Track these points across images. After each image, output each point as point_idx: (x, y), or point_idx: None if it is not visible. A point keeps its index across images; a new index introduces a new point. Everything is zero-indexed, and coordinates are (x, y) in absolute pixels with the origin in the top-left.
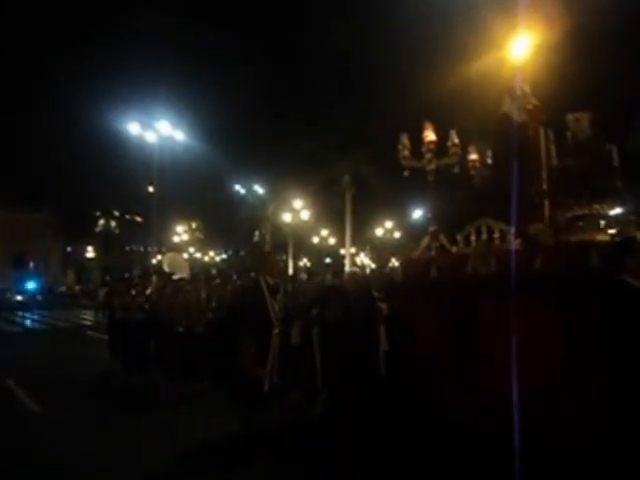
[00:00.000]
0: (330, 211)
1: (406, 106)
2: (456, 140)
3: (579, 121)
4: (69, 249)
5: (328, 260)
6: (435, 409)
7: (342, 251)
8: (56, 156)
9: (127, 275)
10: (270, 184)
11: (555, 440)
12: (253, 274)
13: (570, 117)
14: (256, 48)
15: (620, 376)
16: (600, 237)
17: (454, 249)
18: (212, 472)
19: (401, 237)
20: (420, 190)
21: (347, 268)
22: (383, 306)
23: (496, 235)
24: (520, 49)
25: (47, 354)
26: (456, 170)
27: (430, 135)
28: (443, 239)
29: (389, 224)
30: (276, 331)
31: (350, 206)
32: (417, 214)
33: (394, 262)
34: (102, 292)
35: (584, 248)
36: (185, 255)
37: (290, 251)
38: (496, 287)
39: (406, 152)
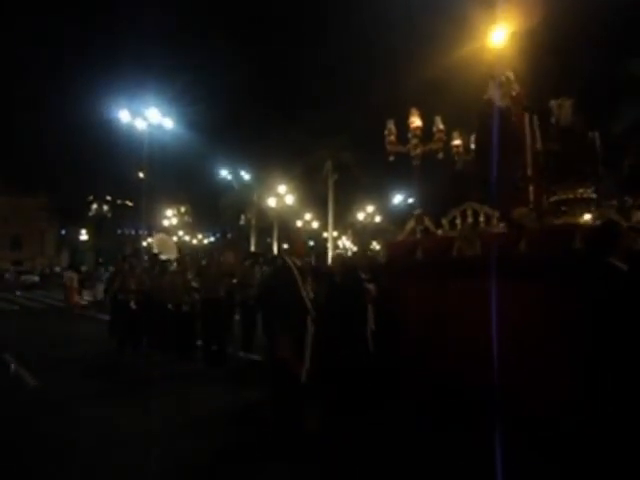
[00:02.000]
0: (313, 196)
1: (388, 93)
2: (441, 126)
3: (562, 107)
4: (63, 232)
5: (311, 243)
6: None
7: (325, 234)
8: (52, 144)
9: (120, 257)
10: (256, 170)
11: (538, 423)
12: (283, 255)
13: (553, 103)
14: (242, 37)
15: (603, 359)
16: (584, 220)
17: (439, 232)
18: (209, 445)
19: (382, 221)
20: (401, 175)
21: (330, 251)
22: (371, 287)
23: (481, 219)
24: (499, 37)
25: (44, 331)
26: (440, 155)
27: (416, 121)
28: (428, 222)
29: (370, 208)
30: (311, 317)
31: (332, 191)
32: (397, 199)
33: (375, 245)
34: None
35: (568, 231)
36: (174, 238)
37: (275, 234)
38: (481, 269)
39: (392, 137)
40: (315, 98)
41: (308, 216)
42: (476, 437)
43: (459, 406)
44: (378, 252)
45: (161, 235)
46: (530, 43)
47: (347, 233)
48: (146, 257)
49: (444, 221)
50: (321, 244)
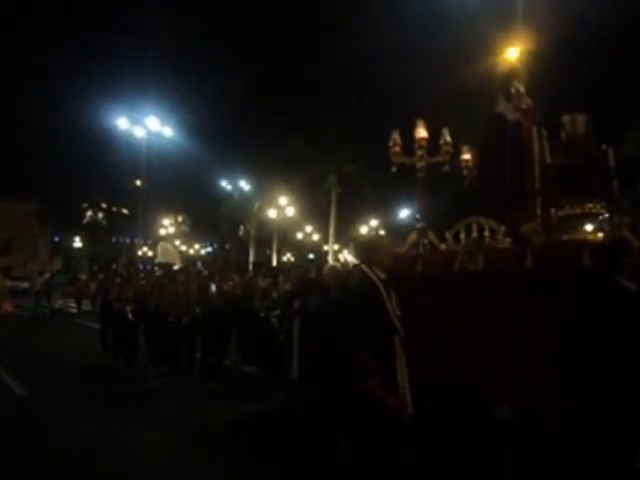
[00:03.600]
0: (315, 208)
1: (394, 106)
2: (448, 138)
3: (575, 122)
4: (56, 238)
5: (311, 256)
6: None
7: (325, 247)
8: (46, 148)
9: (114, 266)
10: (256, 180)
11: (548, 438)
12: (362, 266)
13: (566, 118)
14: (244, 46)
15: (608, 379)
16: (592, 237)
17: (442, 246)
18: (196, 463)
19: (385, 236)
20: (408, 190)
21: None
22: None
23: (486, 233)
24: (512, 54)
25: (34, 339)
26: (446, 169)
27: (421, 132)
28: (431, 236)
29: (374, 222)
30: (399, 338)
31: (335, 204)
32: (404, 214)
33: None
34: (39, 280)
35: (576, 247)
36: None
37: (274, 246)
38: (484, 284)
39: (397, 149)
40: (319, 110)
41: (309, 228)
42: (483, 452)
43: (462, 420)
44: None
45: (164, 243)
46: (546, 59)
47: (348, 247)
48: (155, 267)
49: (448, 235)
50: (321, 257)
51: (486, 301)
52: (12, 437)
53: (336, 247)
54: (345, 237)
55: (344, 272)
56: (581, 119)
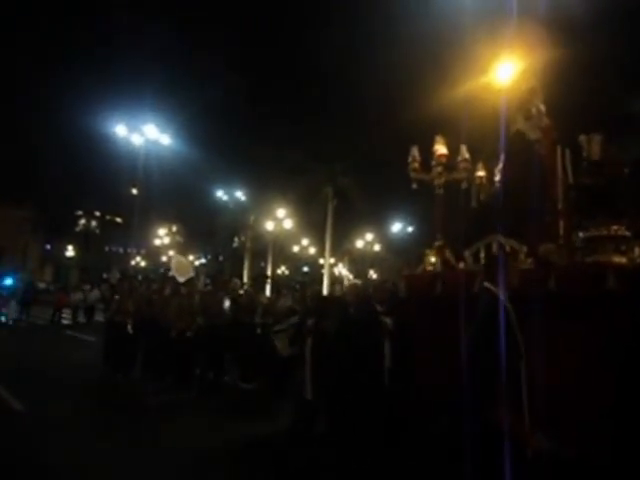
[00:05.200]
0: (311, 221)
1: (391, 122)
2: (467, 155)
3: (591, 142)
4: (48, 246)
5: (306, 269)
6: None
7: (321, 261)
8: (41, 154)
9: (105, 276)
10: (252, 192)
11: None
12: (486, 284)
13: (582, 138)
14: (243, 57)
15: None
16: (617, 259)
17: (461, 265)
18: None
19: (381, 250)
20: (400, 204)
21: (325, 278)
22: (388, 320)
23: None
24: (507, 71)
25: (30, 351)
26: (465, 185)
27: (441, 149)
28: (449, 255)
29: (369, 237)
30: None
31: (331, 217)
32: (396, 227)
33: (372, 274)
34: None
35: (600, 270)
36: (164, 258)
37: (269, 258)
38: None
39: (416, 165)
40: (317, 121)
41: (305, 241)
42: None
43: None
44: (396, 284)
45: (179, 256)
46: (559, 77)
47: (344, 260)
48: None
49: (467, 254)
50: (317, 270)
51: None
52: (9, 453)
53: (332, 260)
54: (340, 250)
55: (364, 288)
56: (597, 139)
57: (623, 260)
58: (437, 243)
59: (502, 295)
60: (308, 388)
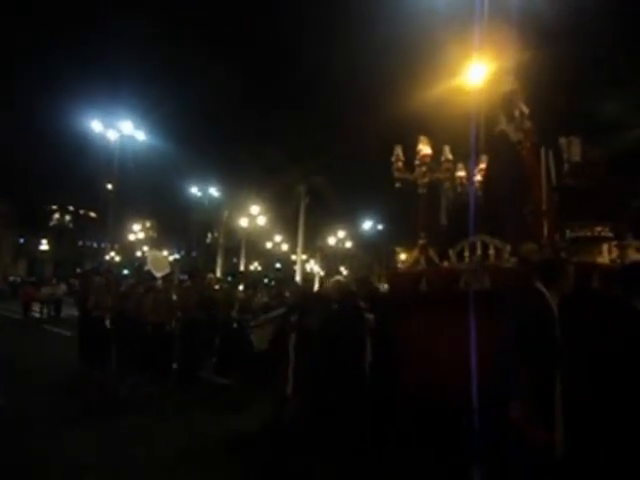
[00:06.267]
0: (284, 218)
1: (364, 122)
2: (449, 156)
3: (571, 144)
4: (22, 240)
5: (278, 265)
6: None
7: (293, 257)
8: (15, 148)
9: (79, 270)
10: (227, 188)
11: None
12: (537, 284)
13: (562, 140)
14: (220, 55)
15: (620, 400)
16: (601, 259)
17: (445, 264)
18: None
19: (352, 247)
20: (371, 201)
21: (298, 274)
22: (370, 317)
23: (491, 252)
24: (478, 75)
25: (4, 346)
26: (447, 185)
27: (425, 149)
28: (432, 253)
29: (341, 234)
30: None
31: (304, 215)
32: (367, 225)
33: (343, 270)
34: None
35: (585, 270)
36: (138, 253)
37: (242, 254)
38: (489, 304)
39: (400, 164)
40: (290, 119)
41: (278, 238)
42: (476, 468)
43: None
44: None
45: (155, 252)
46: (539, 79)
47: (316, 257)
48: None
49: (451, 252)
50: (289, 267)
51: (491, 321)
52: None
53: (304, 257)
54: (313, 247)
55: (348, 285)
56: (576, 141)
57: (606, 260)
58: (420, 242)
59: (550, 298)
60: (290, 384)
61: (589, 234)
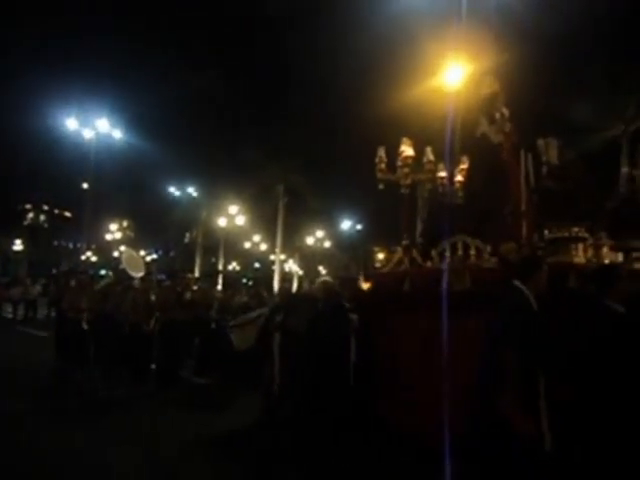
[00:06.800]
0: (263, 217)
1: (343, 122)
2: (431, 157)
3: (549, 146)
4: None
5: (257, 265)
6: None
7: (272, 257)
8: None
9: (54, 271)
10: (205, 188)
11: None
12: (516, 282)
13: (540, 142)
14: (198, 54)
15: (595, 400)
16: (577, 259)
17: (428, 264)
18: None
19: (331, 247)
20: (350, 201)
21: (276, 274)
22: (354, 317)
23: (472, 252)
24: (456, 77)
25: None
26: (429, 186)
27: (407, 150)
28: (415, 253)
29: (320, 234)
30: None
31: (283, 214)
32: (346, 225)
33: (322, 270)
34: None
35: (562, 270)
36: (115, 253)
37: (221, 254)
38: (471, 304)
39: (382, 165)
40: (268, 118)
41: (257, 238)
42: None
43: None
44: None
45: (130, 251)
46: (517, 81)
47: (294, 257)
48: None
49: (434, 253)
50: (268, 267)
51: (472, 320)
52: None
53: (282, 257)
54: (291, 247)
55: (334, 285)
56: (554, 143)
57: (583, 261)
58: (404, 242)
59: (531, 295)
60: (276, 383)
61: (566, 234)
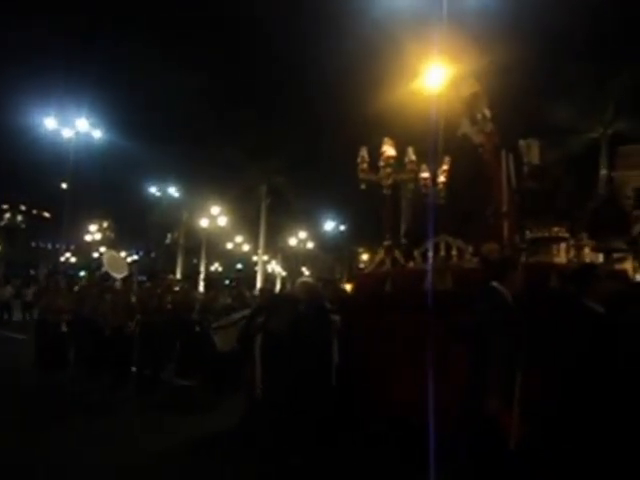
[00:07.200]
0: (245, 218)
1: (325, 122)
2: (413, 157)
3: (530, 147)
4: None
5: (240, 266)
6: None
7: (255, 258)
8: None
9: (32, 272)
10: (187, 188)
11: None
12: (494, 283)
13: (522, 143)
14: (179, 53)
15: (574, 398)
16: (558, 259)
17: (410, 264)
18: None
19: (314, 247)
20: (334, 202)
21: (259, 275)
22: (336, 318)
23: (454, 252)
24: (437, 78)
25: None
26: (411, 187)
27: (389, 150)
28: (398, 254)
29: (303, 234)
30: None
31: (265, 215)
32: (329, 225)
33: (305, 271)
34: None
35: (543, 270)
36: (95, 254)
37: (203, 255)
38: (452, 304)
39: (364, 165)
40: (251, 119)
41: (239, 238)
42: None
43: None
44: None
45: (112, 252)
46: (499, 83)
47: (277, 258)
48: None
49: (416, 253)
50: (250, 267)
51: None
52: None
53: (265, 258)
54: (274, 248)
55: (315, 286)
56: (535, 144)
57: (563, 261)
58: (386, 242)
59: (508, 295)
60: (257, 386)
61: (547, 235)
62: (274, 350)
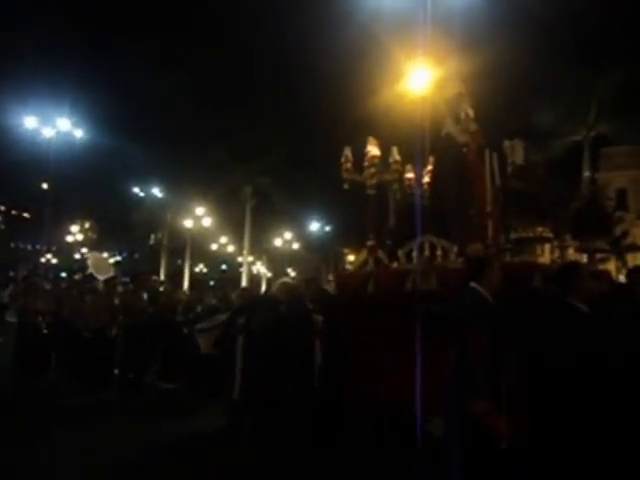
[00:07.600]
0: (230, 219)
1: (310, 123)
2: (397, 157)
3: (515, 147)
4: None
5: (224, 267)
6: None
7: (240, 259)
8: None
9: (12, 274)
10: (170, 188)
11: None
12: (472, 284)
13: (506, 143)
14: (163, 53)
15: (560, 398)
16: (542, 259)
17: (394, 265)
18: None
19: (299, 248)
20: (319, 203)
21: (244, 276)
22: (318, 318)
23: (438, 252)
24: (422, 79)
25: None
26: (396, 187)
27: (373, 150)
28: (381, 254)
29: (288, 235)
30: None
31: (250, 216)
32: (314, 226)
33: (291, 272)
34: None
35: (526, 270)
36: (77, 255)
37: (187, 256)
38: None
39: (349, 165)
40: (236, 119)
41: (224, 239)
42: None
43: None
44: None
45: (96, 254)
46: (484, 85)
47: (262, 259)
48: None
49: (400, 253)
50: (235, 269)
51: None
52: None
53: (250, 259)
54: (259, 249)
55: (296, 287)
56: (519, 144)
57: (547, 260)
58: (369, 243)
59: (488, 295)
60: (237, 388)
61: (531, 235)
62: (255, 351)
